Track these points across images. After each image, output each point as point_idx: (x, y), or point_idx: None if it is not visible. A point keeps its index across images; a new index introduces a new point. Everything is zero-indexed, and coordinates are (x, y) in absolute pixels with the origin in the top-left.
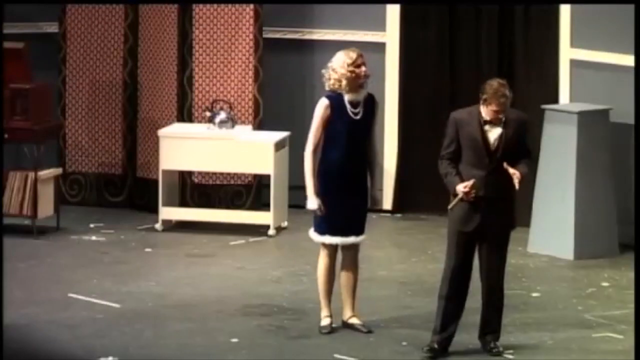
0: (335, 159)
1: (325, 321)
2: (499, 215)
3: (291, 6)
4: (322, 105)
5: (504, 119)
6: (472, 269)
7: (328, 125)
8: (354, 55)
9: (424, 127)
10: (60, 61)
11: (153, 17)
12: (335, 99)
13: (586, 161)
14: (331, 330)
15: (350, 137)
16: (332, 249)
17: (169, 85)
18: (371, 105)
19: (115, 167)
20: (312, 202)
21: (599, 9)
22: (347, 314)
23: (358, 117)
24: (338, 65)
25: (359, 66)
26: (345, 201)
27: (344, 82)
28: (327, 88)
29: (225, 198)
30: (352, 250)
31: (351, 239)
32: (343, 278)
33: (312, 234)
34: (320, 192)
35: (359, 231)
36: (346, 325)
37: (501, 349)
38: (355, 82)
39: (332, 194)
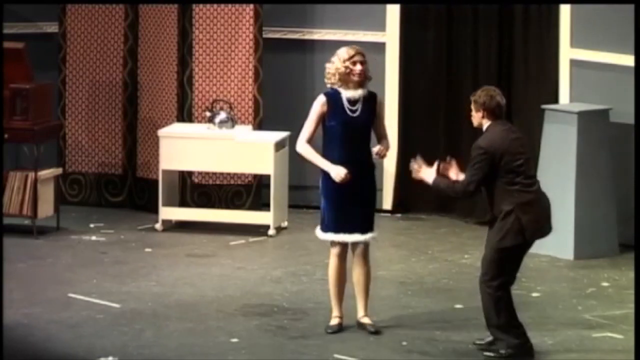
0: (336, 157)
1: (333, 321)
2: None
3: (291, 6)
4: (318, 102)
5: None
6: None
7: (326, 123)
8: (352, 51)
9: (423, 127)
10: (60, 61)
11: (153, 17)
12: (332, 95)
13: (586, 161)
14: (337, 330)
15: (348, 134)
16: (339, 248)
17: (169, 85)
18: (371, 104)
19: (115, 167)
20: (337, 171)
21: (599, 9)
22: (359, 314)
23: (356, 114)
24: (336, 59)
25: (354, 63)
26: (348, 199)
27: (336, 77)
28: (325, 80)
29: (225, 198)
30: (360, 249)
31: (356, 237)
32: (353, 276)
33: (318, 232)
34: (322, 191)
35: (364, 229)
36: (359, 325)
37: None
38: (348, 78)
39: (334, 192)
